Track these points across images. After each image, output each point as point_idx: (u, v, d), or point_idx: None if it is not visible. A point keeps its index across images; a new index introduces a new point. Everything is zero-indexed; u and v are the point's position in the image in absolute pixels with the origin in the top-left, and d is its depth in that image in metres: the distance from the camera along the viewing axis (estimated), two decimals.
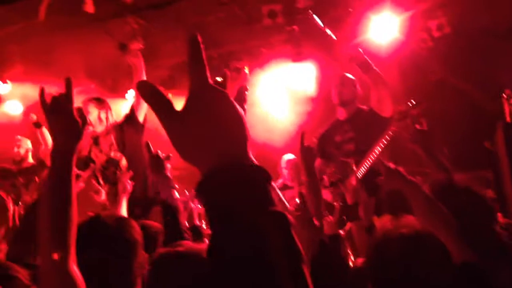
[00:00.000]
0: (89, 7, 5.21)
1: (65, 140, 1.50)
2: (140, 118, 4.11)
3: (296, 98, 7.56)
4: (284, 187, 5.52)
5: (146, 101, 0.79)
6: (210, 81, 0.79)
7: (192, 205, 3.39)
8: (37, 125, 5.05)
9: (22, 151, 5.69)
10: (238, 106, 0.79)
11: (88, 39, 6.44)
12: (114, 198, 3.27)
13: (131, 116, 4.19)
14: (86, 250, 1.57)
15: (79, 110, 1.63)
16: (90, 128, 4.19)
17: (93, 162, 4.28)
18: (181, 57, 7.43)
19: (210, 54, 7.44)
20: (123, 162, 4.15)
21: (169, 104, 0.79)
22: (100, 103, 4.35)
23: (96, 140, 4.34)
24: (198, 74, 0.79)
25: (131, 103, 4.47)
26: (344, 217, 4.32)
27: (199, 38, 0.81)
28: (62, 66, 6.66)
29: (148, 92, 0.79)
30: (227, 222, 0.70)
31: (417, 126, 3.25)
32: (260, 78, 7.62)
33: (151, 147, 2.81)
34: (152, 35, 6.42)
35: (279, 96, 7.77)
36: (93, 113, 4.27)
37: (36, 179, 4.94)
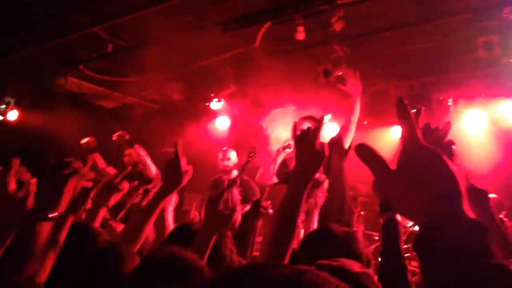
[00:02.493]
0: (301, 35, 5.51)
1: (305, 168, 1.72)
2: (346, 145, 4.20)
3: (501, 135, 6.94)
4: None
5: (364, 161, 0.87)
6: (421, 139, 0.84)
7: None
8: (129, 143, 4.98)
9: (230, 163, 6.08)
10: (449, 162, 0.81)
11: (296, 65, 6.84)
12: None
13: (337, 142, 4.30)
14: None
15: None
16: None
17: None
18: (381, 85, 7.40)
19: (411, 83, 7.27)
20: (325, 184, 4.28)
21: (384, 163, 0.85)
22: (316, 122, 4.52)
23: None
24: (409, 134, 0.85)
25: (339, 130, 4.53)
26: None
27: (405, 100, 0.87)
28: (271, 88, 7.18)
29: (365, 153, 0.87)
30: (449, 273, 0.72)
31: None
32: (464, 110, 7.18)
33: None
34: (355, 63, 6.53)
35: (482, 130, 7.22)
36: None
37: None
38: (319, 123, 1.81)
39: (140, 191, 2.76)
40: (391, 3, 5.17)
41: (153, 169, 4.74)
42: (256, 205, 2.86)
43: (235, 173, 6.00)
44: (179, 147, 2.15)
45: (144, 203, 2.51)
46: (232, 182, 2.62)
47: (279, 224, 1.70)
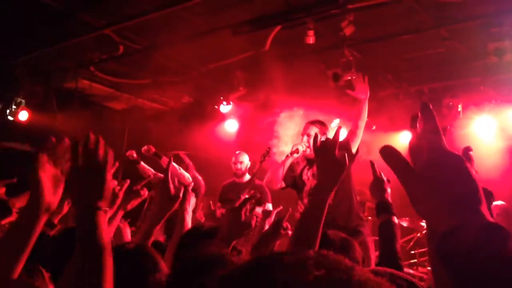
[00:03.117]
0: (311, 39, 5.51)
1: (328, 178, 1.80)
2: (353, 149, 4.19)
3: (510, 142, 6.89)
4: None
5: (388, 163, 0.88)
6: (445, 145, 0.85)
7: None
8: (136, 162, 5.03)
9: (242, 166, 6.05)
10: (470, 168, 0.82)
11: (305, 69, 6.84)
12: None
13: (344, 146, 4.28)
14: None
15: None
16: (308, 150, 4.40)
17: (304, 184, 4.49)
18: (391, 90, 7.39)
19: (421, 89, 7.26)
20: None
21: (408, 166, 0.87)
22: (323, 127, 4.55)
23: (312, 162, 4.51)
24: (435, 139, 0.86)
25: (346, 134, 4.53)
26: None
27: (430, 106, 0.89)
28: (280, 92, 7.19)
29: (389, 154, 0.88)
30: (472, 278, 0.72)
31: None
32: (474, 116, 7.15)
33: (376, 168, 2.81)
34: (365, 68, 6.53)
35: (492, 136, 7.18)
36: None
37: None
38: (336, 134, 1.88)
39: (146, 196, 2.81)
40: (402, 8, 5.17)
41: (187, 176, 4.81)
42: (277, 225, 2.83)
43: (247, 176, 6.01)
44: (168, 167, 2.15)
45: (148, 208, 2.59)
46: (251, 197, 2.65)
47: (303, 232, 1.77)
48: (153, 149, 5.02)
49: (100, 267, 1.27)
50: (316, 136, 1.91)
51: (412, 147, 0.89)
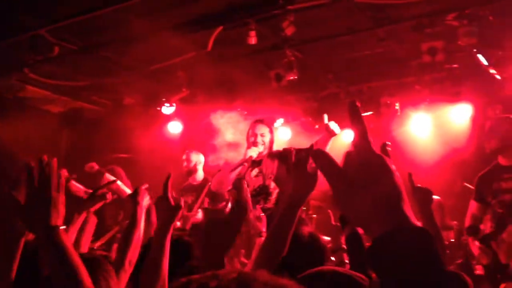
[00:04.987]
0: (252, 40, 5.53)
1: (300, 192, 1.85)
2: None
3: (446, 138, 7.22)
4: None
5: (319, 167, 0.87)
6: (372, 145, 0.84)
7: None
8: (100, 173, 5.02)
9: (191, 164, 6.00)
10: (394, 169, 0.83)
11: (248, 69, 6.87)
12: None
13: (287, 155, 4.34)
14: None
15: None
16: (262, 150, 4.42)
17: (247, 185, 4.49)
18: (332, 90, 7.54)
19: (360, 88, 7.46)
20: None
21: (340, 171, 0.85)
22: (270, 124, 4.58)
23: (256, 162, 4.51)
24: (362, 142, 0.84)
25: (316, 140, 4.59)
26: (498, 276, 3.97)
27: (358, 103, 0.87)
28: (222, 92, 7.17)
29: (320, 159, 0.87)
30: (404, 284, 0.74)
31: None
32: (411, 115, 7.43)
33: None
34: (307, 68, 6.63)
35: (428, 134, 7.50)
36: (266, 136, 4.49)
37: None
38: (308, 150, 1.94)
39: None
40: (340, 9, 5.28)
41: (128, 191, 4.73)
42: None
43: (200, 174, 5.99)
44: (169, 181, 2.24)
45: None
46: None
47: (272, 243, 1.84)
48: (96, 166, 4.95)
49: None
50: (291, 151, 1.93)
51: (347, 151, 0.88)
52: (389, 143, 0.91)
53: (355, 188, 0.82)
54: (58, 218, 1.48)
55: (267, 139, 4.49)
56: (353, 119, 0.85)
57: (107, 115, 8.31)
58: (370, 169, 0.82)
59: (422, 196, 2.65)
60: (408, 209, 0.79)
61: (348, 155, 0.86)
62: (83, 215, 2.67)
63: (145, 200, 2.64)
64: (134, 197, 2.61)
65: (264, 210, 4.43)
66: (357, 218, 0.83)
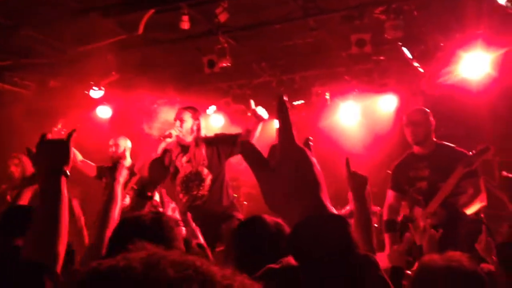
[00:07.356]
0: (185, 24, 5.45)
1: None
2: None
3: (373, 127, 7.51)
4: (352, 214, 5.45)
5: (245, 159, 0.91)
6: (296, 139, 0.89)
7: None
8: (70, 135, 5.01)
9: (119, 150, 5.80)
10: (315, 161, 0.88)
11: (179, 54, 6.77)
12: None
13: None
14: None
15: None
16: (180, 135, 4.40)
17: (178, 171, 4.47)
18: (265, 78, 7.59)
19: (292, 77, 7.57)
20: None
21: (265, 162, 0.90)
22: (195, 113, 4.55)
23: (185, 149, 4.51)
24: (286, 135, 0.89)
25: (243, 130, 4.61)
26: (411, 259, 4.16)
27: (286, 99, 0.93)
28: (153, 78, 7.03)
29: (247, 151, 0.91)
30: (320, 268, 0.78)
31: (505, 174, 3.11)
32: (340, 104, 7.64)
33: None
34: (240, 55, 6.64)
35: (356, 122, 7.76)
36: (187, 122, 4.47)
37: None
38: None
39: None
40: None
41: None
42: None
43: (128, 160, 5.83)
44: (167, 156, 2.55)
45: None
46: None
47: None
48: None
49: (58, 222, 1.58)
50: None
51: (273, 144, 0.91)
52: (311, 138, 0.95)
53: (276, 177, 0.87)
54: (64, 163, 1.71)
55: (187, 124, 4.47)
56: (280, 113, 0.89)
57: (31, 97, 7.91)
58: (291, 160, 0.87)
59: (357, 181, 2.69)
60: (326, 197, 0.84)
61: (272, 147, 0.90)
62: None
63: (123, 176, 2.65)
64: (112, 173, 2.61)
65: (197, 197, 4.44)
66: (277, 206, 0.88)
